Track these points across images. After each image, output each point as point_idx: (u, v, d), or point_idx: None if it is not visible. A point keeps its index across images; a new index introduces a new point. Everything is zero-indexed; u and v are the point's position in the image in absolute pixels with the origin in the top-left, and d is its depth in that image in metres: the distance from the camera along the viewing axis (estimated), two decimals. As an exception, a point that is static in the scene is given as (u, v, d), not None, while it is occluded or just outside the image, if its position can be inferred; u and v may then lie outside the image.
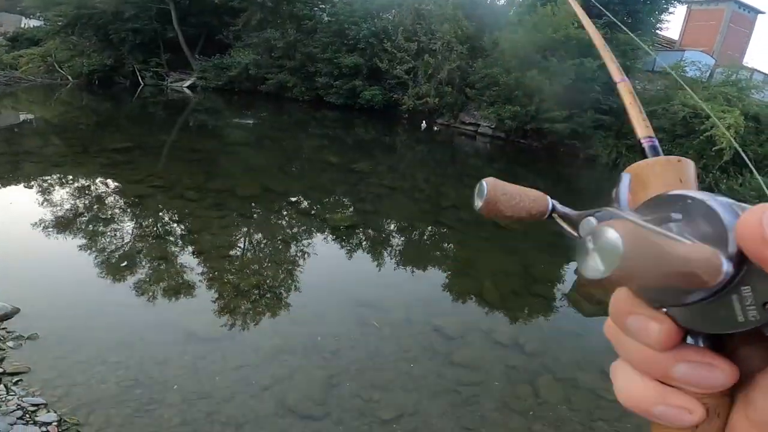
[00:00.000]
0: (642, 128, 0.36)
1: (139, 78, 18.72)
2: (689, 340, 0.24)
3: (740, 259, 0.20)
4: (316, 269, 4.67)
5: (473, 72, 16.57)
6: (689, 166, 0.29)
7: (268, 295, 4.04)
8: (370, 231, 6.01)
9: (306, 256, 4.98)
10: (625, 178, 0.30)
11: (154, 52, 19.20)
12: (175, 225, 5.41)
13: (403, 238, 6.12)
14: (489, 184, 0.30)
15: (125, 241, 4.74)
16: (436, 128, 16.63)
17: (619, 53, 15.17)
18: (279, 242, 5.28)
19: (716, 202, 0.22)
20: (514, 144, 16.17)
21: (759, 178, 10.30)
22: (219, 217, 5.54)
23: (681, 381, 0.24)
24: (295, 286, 4.31)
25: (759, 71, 18.71)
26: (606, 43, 0.54)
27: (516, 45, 15.01)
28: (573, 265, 6.14)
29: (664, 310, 0.24)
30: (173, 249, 4.74)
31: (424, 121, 16.69)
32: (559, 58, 14.68)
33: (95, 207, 5.62)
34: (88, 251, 4.40)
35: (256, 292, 4.03)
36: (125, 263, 4.25)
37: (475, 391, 3.07)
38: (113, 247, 4.58)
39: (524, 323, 4.24)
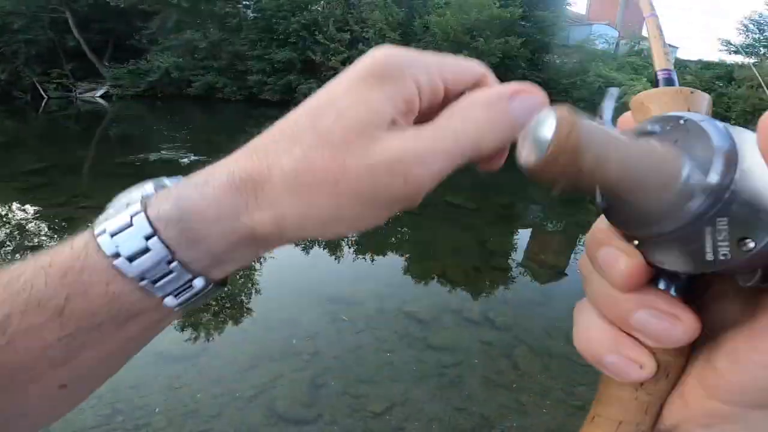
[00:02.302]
0: (661, 61, 0.33)
1: (41, 91, 16.80)
2: (661, 285, 0.22)
3: (726, 183, 0.18)
4: (278, 271, 4.55)
5: None
6: (703, 99, 0.26)
7: (235, 304, 3.90)
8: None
9: (264, 258, 4.82)
10: (613, 92, 0.27)
11: (54, 63, 17.32)
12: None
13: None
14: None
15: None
16: None
17: (538, 30, 16.07)
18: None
19: (711, 124, 0.20)
20: (454, 125, 16.63)
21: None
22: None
23: (640, 330, 0.21)
24: (260, 290, 4.19)
25: (657, 40, 20.68)
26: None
27: (445, 28, 15.41)
28: (523, 233, 6.52)
29: (636, 243, 0.21)
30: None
31: None
32: (486, 38, 15.27)
33: (18, 237, 5.02)
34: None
35: (221, 302, 3.87)
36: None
37: (458, 371, 3.16)
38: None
39: (490, 298, 4.41)
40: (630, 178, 0.19)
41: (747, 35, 16.31)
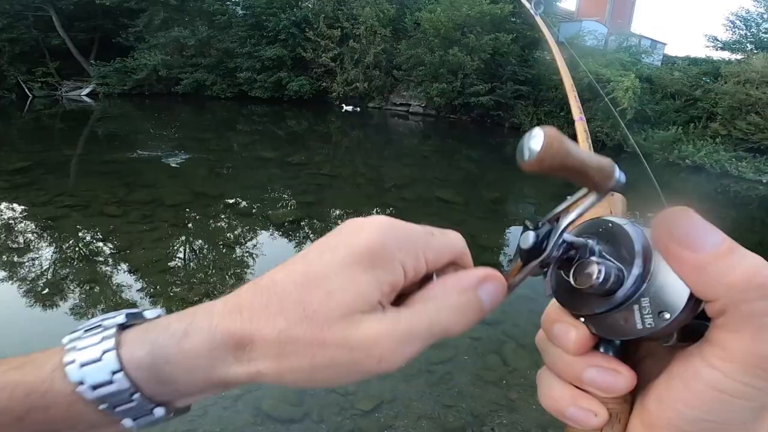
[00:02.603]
0: None
1: (26, 90, 16.51)
2: (602, 350, 0.28)
3: (645, 273, 0.25)
4: (266, 269, 4.46)
5: (399, 54, 16.73)
6: (619, 200, 0.35)
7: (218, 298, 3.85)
8: (315, 222, 5.86)
9: (253, 257, 4.77)
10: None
11: (39, 62, 16.99)
12: (101, 244, 4.90)
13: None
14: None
15: (46, 268, 4.22)
16: (358, 109, 16.62)
17: (528, 26, 16.12)
18: (222, 247, 4.98)
19: (629, 224, 0.27)
20: (445, 120, 16.68)
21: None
22: (149, 230, 5.11)
23: (590, 384, 0.26)
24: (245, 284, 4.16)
25: (645, 37, 20.84)
26: (573, 85, 0.60)
27: (436, 24, 15.38)
28: (513, 230, 6.52)
29: (582, 319, 0.27)
30: (104, 269, 4.29)
31: (344, 105, 16.65)
32: (476, 34, 15.28)
33: (1, 236, 4.91)
34: (5, 284, 3.92)
35: (206, 301, 3.81)
36: (51, 291, 3.80)
37: (447, 368, 3.14)
38: (33, 276, 4.07)
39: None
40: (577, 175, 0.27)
41: (734, 32, 16.52)
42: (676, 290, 0.23)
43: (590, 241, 0.28)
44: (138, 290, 3.93)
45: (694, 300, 0.23)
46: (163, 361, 0.24)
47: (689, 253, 0.22)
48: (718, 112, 13.11)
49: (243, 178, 7.70)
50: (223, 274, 4.41)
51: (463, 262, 0.30)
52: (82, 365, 0.24)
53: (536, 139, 0.25)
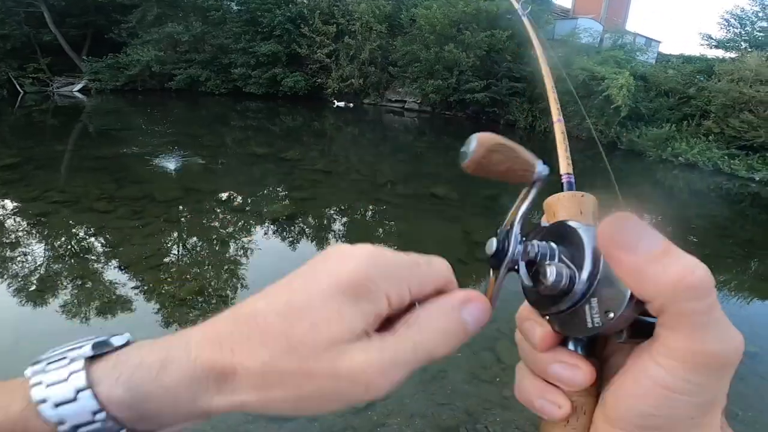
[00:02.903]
0: (564, 165, 0.45)
1: (17, 86, 16.32)
2: (570, 346, 0.30)
3: (593, 275, 0.27)
4: (261, 265, 4.45)
5: (394, 50, 16.73)
6: (589, 201, 0.36)
7: (214, 300, 3.79)
8: (310, 218, 5.82)
9: (248, 252, 4.72)
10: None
11: (30, 58, 16.80)
12: (92, 240, 4.84)
13: (345, 221, 6.03)
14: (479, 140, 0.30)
15: (34, 264, 4.16)
16: (351, 104, 16.57)
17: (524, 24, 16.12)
18: (216, 243, 4.93)
19: (584, 229, 0.29)
20: (441, 116, 16.67)
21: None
22: (140, 225, 5.06)
23: (555, 378, 0.29)
24: (242, 284, 4.09)
25: (640, 35, 20.90)
26: (554, 87, 0.63)
27: (432, 21, 15.35)
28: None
29: (547, 318, 0.30)
30: (94, 266, 4.24)
31: (335, 101, 16.61)
32: (472, 31, 15.25)
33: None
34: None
35: (200, 298, 3.76)
36: (40, 288, 3.76)
37: (441, 366, 3.11)
38: (22, 272, 4.02)
39: (475, 290, 4.40)
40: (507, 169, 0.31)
41: (728, 30, 16.55)
42: (619, 291, 0.25)
43: (551, 245, 0.30)
44: (129, 287, 3.88)
45: (635, 300, 0.25)
46: (142, 398, 0.24)
47: (627, 255, 0.23)
48: (711, 110, 13.17)
49: (236, 174, 7.63)
50: (217, 270, 4.36)
51: (448, 289, 0.31)
52: (57, 405, 0.23)
53: (470, 144, 0.29)
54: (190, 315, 3.53)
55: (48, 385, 0.24)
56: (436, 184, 7.91)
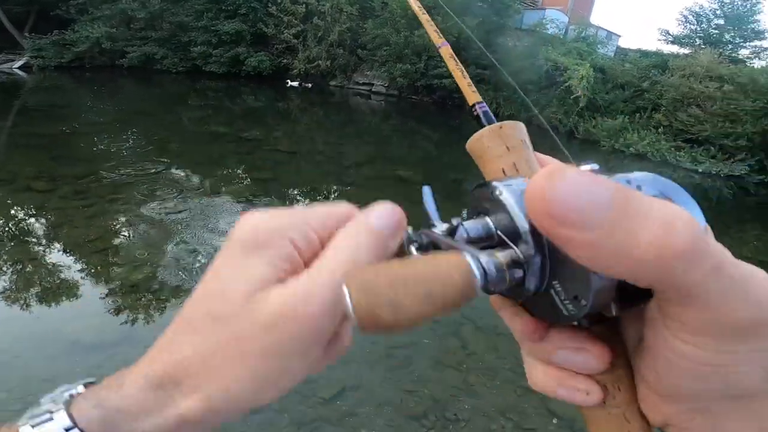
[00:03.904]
0: (470, 95, 0.36)
1: (-46, 64, 14.80)
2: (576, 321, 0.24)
3: (533, 254, 0.21)
4: (218, 247, 4.27)
5: (364, 33, 16.52)
6: (515, 130, 0.29)
7: (168, 286, 3.58)
8: (272, 199, 5.62)
9: (205, 234, 4.50)
10: (426, 191, 0.32)
11: (-32, 35, 15.26)
12: (31, 221, 4.48)
13: (308, 202, 5.88)
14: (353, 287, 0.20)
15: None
16: (309, 85, 16.19)
17: (494, 12, 16.22)
18: (170, 224, 4.67)
19: (507, 188, 0.22)
20: (408, 100, 16.65)
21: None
22: (84, 206, 4.73)
23: (564, 365, 0.24)
24: (199, 269, 3.87)
25: (602, 28, 21.59)
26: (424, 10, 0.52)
27: (403, 4, 15.19)
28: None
29: (522, 304, 0.24)
30: (35, 249, 3.93)
31: (289, 81, 16.18)
32: (443, 16, 15.19)
33: None
34: None
35: (151, 284, 3.56)
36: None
37: (408, 352, 3.13)
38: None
39: None
40: (426, 301, 0.20)
41: (686, 26, 17.32)
42: (580, 271, 0.19)
43: (484, 220, 0.25)
44: (73, 272, 3.63)
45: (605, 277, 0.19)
46: (111, 413, 0.23)
47: (574, 234, 0.16)
48: (662, 104, 13.87)
49: (193, 153, 7.27)
50: (172, 253, 4.13)
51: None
52: None
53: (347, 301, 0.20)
54: (142, 300, 3.35)
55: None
56: (402, 167, 7.90)
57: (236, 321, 0.23)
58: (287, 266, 0.25)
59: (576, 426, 2.69)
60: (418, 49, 15.35)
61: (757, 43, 16.28)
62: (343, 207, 0.29)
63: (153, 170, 6.12)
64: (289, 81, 16.27)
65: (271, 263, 0.24)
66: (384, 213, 0.28)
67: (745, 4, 15.86)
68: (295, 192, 6.14)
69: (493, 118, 0.32)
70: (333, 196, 6.27)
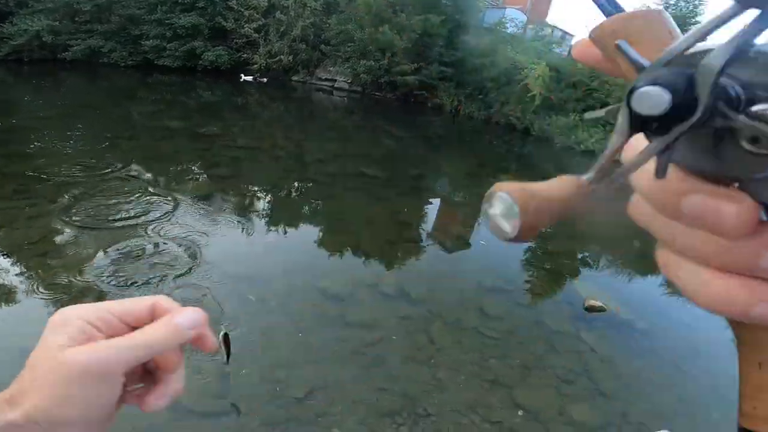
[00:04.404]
0: None
1: None
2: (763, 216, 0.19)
3: None
4: (171, 250, 4.04)
5: (328, 28, 16.33)
6: (657, 20, 0.23)
7: (120, 289, 3.40)
8: (231, 197, 5.43)
9: (159, 235, 4.25)
10: (623, 44, 0.22)
11: None
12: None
13: (269, 200, 5.73)
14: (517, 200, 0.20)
15: None
16: (264, 80, 15.82)
17: (458, 10, 16.47)
18: (120, 225, 4.40)
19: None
20: (370, 97, 16.62)
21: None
22: (27, 206, 4.42)
23: None
24: (151, 270, 3.69)
25: (558, 28, 22.41)
26: None
27: (369, 1, 15.16)
28: (433, 205, 6.76)
29: (736, 185, 0.19)
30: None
31: (242, 75, 15.80)
32: (407, 14, 15.28)
33: None
34: None
35: (101, 287, 3.37)
36: None
37: (378, 349, 3.14)
38: None
39: (404, 271, 4.42)
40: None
41: None
42: None
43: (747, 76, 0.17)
44: (11, 276, 3.37)
45: None
46: None
47: None
48: (609, 102, 14.62)
49: (145, 149, 6.92)
50: (123, 255, 3.88)
51: (163, 307, 0.39)
52: None
53: (503, 211, 0.20)
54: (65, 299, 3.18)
55: None
56: (365, 163, 7.90)
57: (47, 364, 0.33)
58: (82, 337, 0.35)
59: (540, 417, 2.80)
60: (383, 46, 15.34)
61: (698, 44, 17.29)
62: (147, 300, 0.39)
63: (101, 167, 5.77)
64: (242, 75, 15.81)
65: (69, 335, 0.34)
66: (189, 316, 0.38)
67: (687, 5, 16.62)
68: (255, 189, 5.99)
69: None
70: (295, 193, 6.17)
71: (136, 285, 3.45)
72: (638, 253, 6.42)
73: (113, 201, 4.88)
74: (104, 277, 3.51)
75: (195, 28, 15.51)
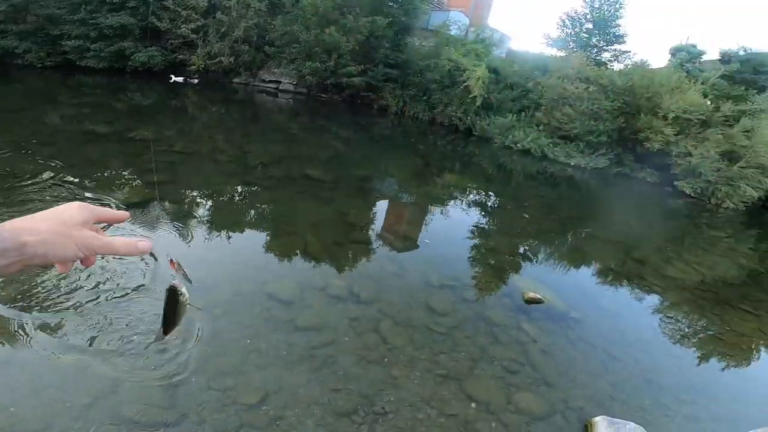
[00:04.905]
0: None
1: None
2: None
3: None
4: (108, 260, 3.77)
5: (273, 29, 15.97)
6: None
7: (53, 302, 3.15)
8: (168, 204, 5.15)
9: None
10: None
11: None
12: None
13: (210, 205, 5.49)
14: None
15: None
16: (195, 81, 15.20)
17: (404, 12, 16.70)
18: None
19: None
20: (316, 98, 16.46)
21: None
22: None
23: None
24: (88, 285, 3.43)
25: (497, 30, 23.33)
26: None
27: (315, 2, 14.99)
28: (380, 206, 6.85)
29: None
30: None
31: (172, 75, 15.11)
32: (354, 16, 15.27)
33: None
34: None
35: (31, 302, 3.08)
36: None
37: (329, 351, 3.13)
38: None
39: (353, 272, 4.44)
40: None
41: (563, 30, 19.03)
42: None
43: None
44: None
45: None
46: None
47: None
48: (542, 104, 15.54)
49: (68, 155, 6.33)
50: (45, 271, 3.57)
51: (107, 216, 0.61)
52: None
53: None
54: (16, 321, 2.89)
55: None
56: (311, 165, 7.81)
57: (72, 229, 0.54)
58: (88, 224, 0.56)
59: (491, 408, 2.92)
60: (329, 48, 15.22)
61: (617, 46, 18.22)
62: (121, 213, 0.64)
63: (17, 173, 5.22)
64: (172, 76, 15.00)
65: (84, 220, 0.55)
66: (144, 246, 0.59)
67: (609, 9, 17.84)
68: (195, 194, 5.70)
69: None
70: (238, 197, 5.97)
71: (66, 304, 3.19)
72: (571, 247, 6.92)
73: (36, 208, 4.42)
74: (43, 291, 3.21)
75: (124, 28, 14.56)
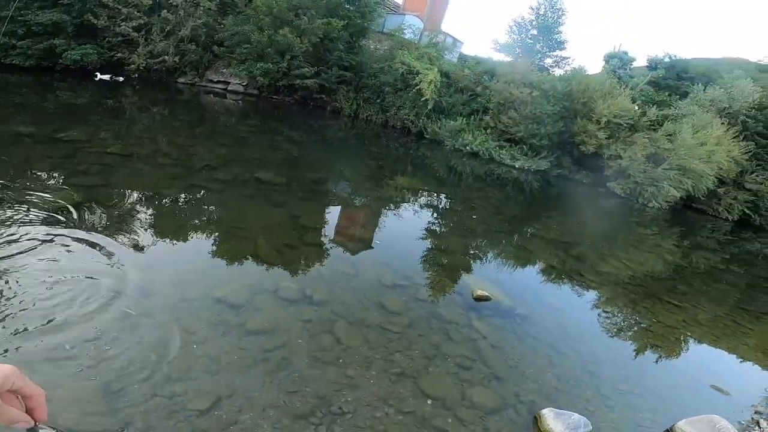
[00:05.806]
0: None
1: None
2: None
3: None
4: (39, 266, 3.48)
5: (222, 29, 15.48)
6: None
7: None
8: (103, 209, 4.80)
9: (20, 253, 3.59)
10: None
11: None
12: None
13: (152, 209, 5.18)
14: None
15: None
16: (121, 78, 14.46)
17: (360, 15, 16.73)
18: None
19: None
20: (267, 100, 16.11)
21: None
22: None
23: None
24: (17, 291, 3.14)
25: (450, 35, 23.97)
26: None
27: (270, 2, 14.65)
28: (333, 209, 6.82)
29: None
30: None
31: (98, 73, 14.33)
32: (309, 17, 15.09)
33: None
34: None
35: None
36: None
37: (283, 353, 3.07)
38: None
39: (305, 274, 4.39)
40: None
41: (510, 36, 19.83)
42: None
43: None
44: None
45: None
46: None
47: None
48: (490, 107, 16.21)
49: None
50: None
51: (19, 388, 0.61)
52: None
53: None
54: None
55: None
56: (261, 168, 7.62)
57: None
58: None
59: (446, 404, 2.99)
60: (282, 49, 14.96)
61: (558, 52, 19.12)
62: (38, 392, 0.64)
63: None
64: (98, 74, 14.13)
65: None
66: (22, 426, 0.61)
67: (552, 16, 18.76)
68: (133, 198, 5.34)
69: None
70: (182, 201, 5.69)
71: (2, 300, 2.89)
72: (516, 246, 7.27)
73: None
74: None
75: (56, 25, 13.52)
